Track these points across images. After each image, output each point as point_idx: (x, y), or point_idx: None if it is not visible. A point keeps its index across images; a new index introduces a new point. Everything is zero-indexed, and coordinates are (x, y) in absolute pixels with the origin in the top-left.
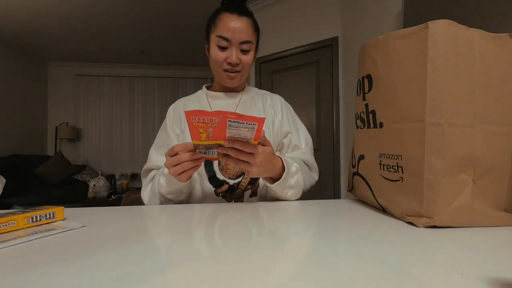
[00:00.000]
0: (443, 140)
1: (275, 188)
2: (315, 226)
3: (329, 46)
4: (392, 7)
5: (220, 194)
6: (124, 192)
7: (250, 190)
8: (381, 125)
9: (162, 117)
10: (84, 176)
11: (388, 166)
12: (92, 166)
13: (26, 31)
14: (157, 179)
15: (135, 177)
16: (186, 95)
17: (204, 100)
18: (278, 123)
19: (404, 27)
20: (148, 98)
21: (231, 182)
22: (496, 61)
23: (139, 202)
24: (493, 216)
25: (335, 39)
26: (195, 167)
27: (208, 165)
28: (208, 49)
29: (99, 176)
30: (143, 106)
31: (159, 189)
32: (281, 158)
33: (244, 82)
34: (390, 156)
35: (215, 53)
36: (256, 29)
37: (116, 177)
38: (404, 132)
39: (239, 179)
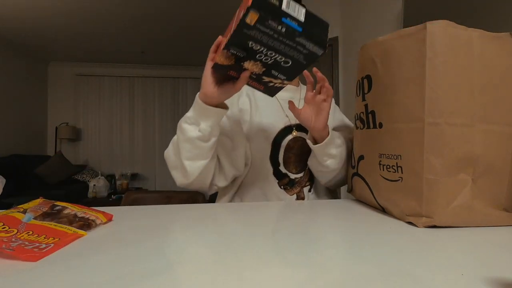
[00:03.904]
0: (442, 139)
1: (317, 150)
2: (315, 226)
3: (329, 46)
4: (392, 7)
5: (282, 186)
6: (124, 192)
7: (309, 186)
8: (380, 125)
9: (162, 117)
10: (84, 176)
11: (388, 166)
12: (92, 166)
13: (26, 31)
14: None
15: (135, 177)
16: (186, 95)
17: None
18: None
19: (404, 27)
20: (148, 98)
21: (293, 176)
22: (496, 60)
23: (139, 202)
24: (492, 216)
25: (335, 39)
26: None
27: (274, 158)
28: None
29: (99, 176)
30: (143, 106)
31: (183, 135)
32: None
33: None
34: (390, 156)
35: None
36: None
37: (116, 177)
38: (403, 132)
39: (301, 175)
